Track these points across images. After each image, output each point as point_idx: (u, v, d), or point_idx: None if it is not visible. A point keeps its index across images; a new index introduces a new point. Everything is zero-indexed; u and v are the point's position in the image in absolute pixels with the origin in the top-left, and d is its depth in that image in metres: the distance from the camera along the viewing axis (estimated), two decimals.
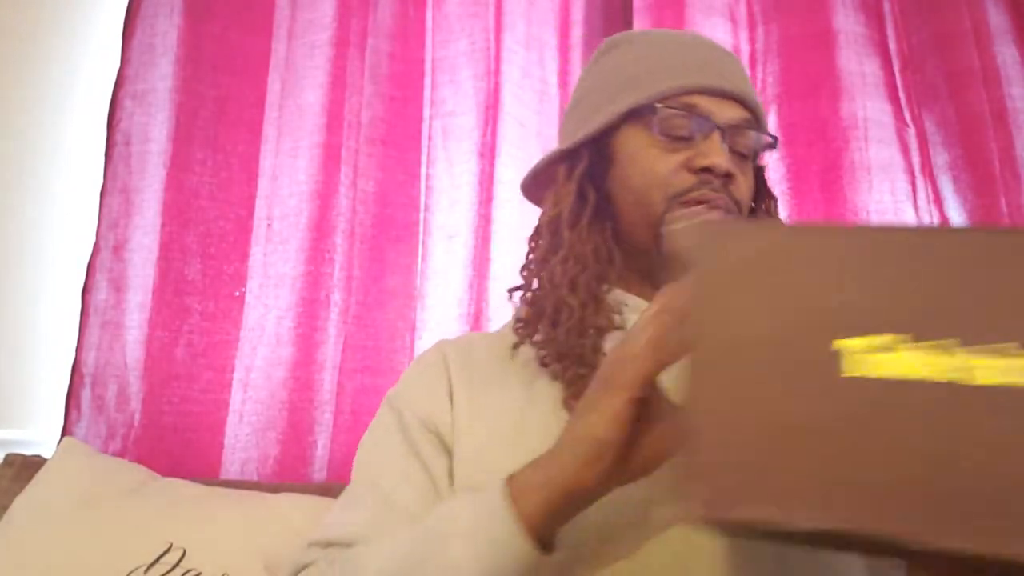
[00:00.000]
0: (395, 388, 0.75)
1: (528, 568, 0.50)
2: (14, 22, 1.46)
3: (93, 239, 1.29)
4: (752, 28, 1.43)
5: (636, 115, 0.70)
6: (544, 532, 0.51)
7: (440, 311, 1.32)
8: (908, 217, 1.30)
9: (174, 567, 0.90)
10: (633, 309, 0.71)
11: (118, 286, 1.28)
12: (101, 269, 1.28)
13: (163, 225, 1.28)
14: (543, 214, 0.75)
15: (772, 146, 0.74)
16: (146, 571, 0.90)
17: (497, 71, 1.39)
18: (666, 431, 0.50)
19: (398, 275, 1.34)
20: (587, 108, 0.75)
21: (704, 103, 0.69)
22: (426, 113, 1.41)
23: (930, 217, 1.30)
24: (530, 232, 0.77)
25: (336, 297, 1.29)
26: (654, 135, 0.69)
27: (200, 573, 0.90)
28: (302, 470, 1.22)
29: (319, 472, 1.23)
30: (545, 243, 0.72)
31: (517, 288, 0.75)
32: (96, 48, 1.45)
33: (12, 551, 0.94)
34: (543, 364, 0.69)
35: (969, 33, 1.32)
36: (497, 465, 0.64)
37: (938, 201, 1.32)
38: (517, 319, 0.72)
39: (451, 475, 0.67)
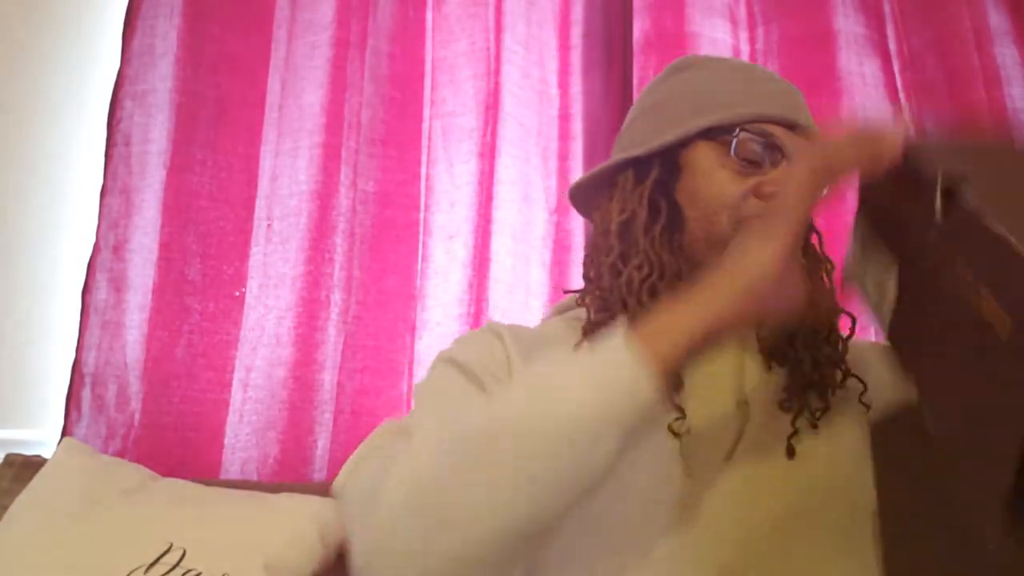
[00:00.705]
0: (449, 350, 0.74)
1: (649, 399, 0.50)
2: (14, 23, 1.46)
3: (93, 239, 1.29)
4: (752, 28, 1.43)
5: (713, 133, 0.71)
6: (670, 370, 0.52)
7: (440, 311, 1.32)
8: None
9: (174, 567, 0.90)
10: None
11: (118, 286, 1.28)
12: (101, 269, 1.28)
13: (163, 225, 1.28)
14: (606, 218, 0.74)
15: None
16: (146, 571, 0.90)
17: (497, 71, 1.39)
18: (801, 281, 0.56)
19: (398, 275, 1.34)
20: (661, 119, 0.75)
21: (779, 133, 0.71)
22: (426, 113, 1.41)
23: None
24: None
25: (336, 297, 1.29)
26: (729, 156, 0.70)
27: (200, 573, 0.90)
28: (302, 470, 1.22)
29: (319, 472, 1.23)
30: (616, 248, 0.72)
31: (581, 291, 0.76)
32: (96, 48, 1.45)
33: (12, 551, 0.94)
34: None
35: (969, 33, 1.32)
36: None
37: None
38: (588, 320, 0.73)
39: None
